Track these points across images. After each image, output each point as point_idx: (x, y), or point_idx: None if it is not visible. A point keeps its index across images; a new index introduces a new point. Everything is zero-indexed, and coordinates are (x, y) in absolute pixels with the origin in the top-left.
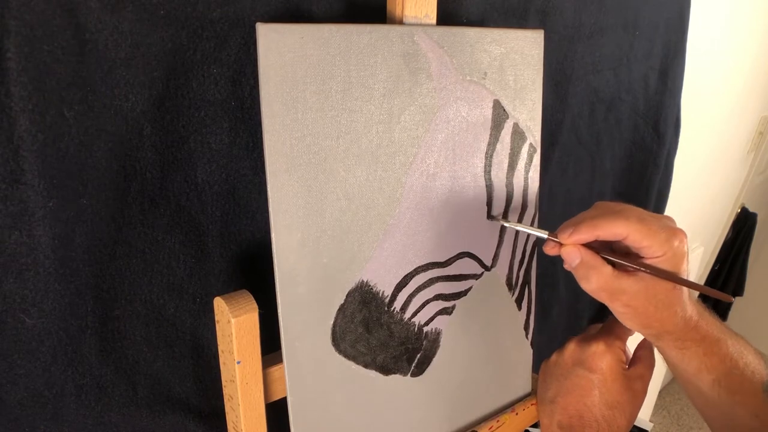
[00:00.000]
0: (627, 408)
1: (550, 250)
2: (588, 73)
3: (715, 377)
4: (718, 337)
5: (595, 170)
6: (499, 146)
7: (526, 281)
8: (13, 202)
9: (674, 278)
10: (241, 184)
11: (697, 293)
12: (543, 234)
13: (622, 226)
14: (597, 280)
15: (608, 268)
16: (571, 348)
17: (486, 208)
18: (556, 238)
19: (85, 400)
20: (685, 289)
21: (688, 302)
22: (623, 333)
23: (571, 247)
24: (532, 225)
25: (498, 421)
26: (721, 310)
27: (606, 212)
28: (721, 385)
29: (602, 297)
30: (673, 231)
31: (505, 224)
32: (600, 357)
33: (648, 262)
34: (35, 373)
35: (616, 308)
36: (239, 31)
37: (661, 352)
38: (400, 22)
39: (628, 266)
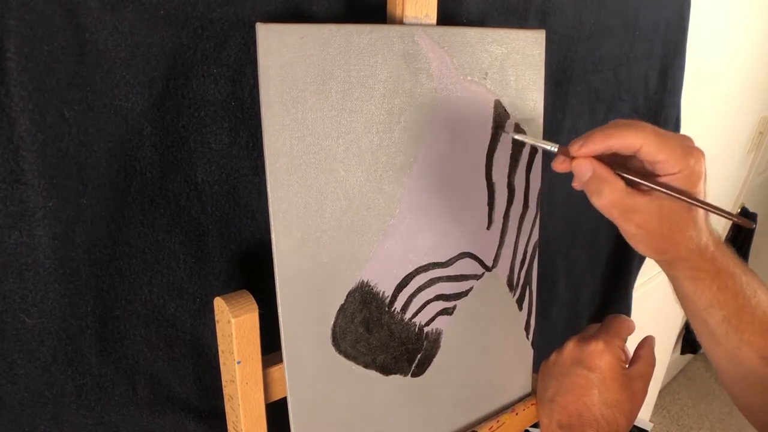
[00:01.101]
0: (626, 407)
1: (559, 165)
2: (588, 73)
3: (726, 313)
4: (733, 271)
5: None
6: (499, 146)
7: (527, 282)
8: (13, 202)
9: (691, 198)
10: (241, 184)
11: (711, 217)
12: (553, 147)
13: (636, 137)
14: (609, 194)
15: (621, 183)
16: (570, 347)
17: (487, 209)
18: (567, 152)
19: (85, 400)
20: (701, 212)
21: (704, 228)
22: (622, 332)
23: (582, 159)
24: (533, 227)
25: (498, 421)
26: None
27: (619, 124)
28: (731, 322)
29: (614, 214)
30: (690, 148)
31: (516, 137)
32: (599, 356)
33: (663, 180)
34: (35, 373)
35: (629, 229)
36: (239, 31)
37: (672, 281)
38: (400, 22)
39: (642, 184)
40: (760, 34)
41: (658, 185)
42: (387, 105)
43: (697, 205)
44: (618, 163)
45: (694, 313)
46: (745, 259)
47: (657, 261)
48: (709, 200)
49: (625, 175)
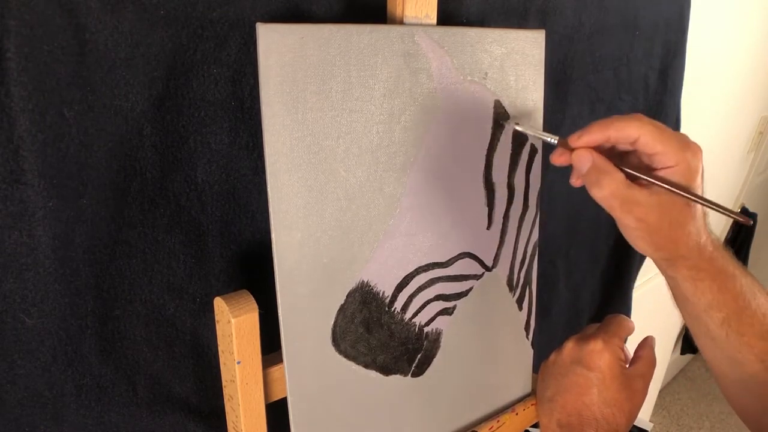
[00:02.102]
0: (626, 406)
1: (558, 157)
2: (588, 72)
3: (725, 315)
4: (732, 273)
5: None
6: (499, 146)
7: (527, 282)
8: (13, 202)
9: (689, 193)
10: (241, 184)
11: (710, 213)
12: (553, 139)
13: (634, 127)
14: (609, 184)
15: (621, 174)
16: (569, 347)
17: (487, 209)
18: (567, 144)
19: (85, 400)
20: (699, 208)
21: (703, 227)
22: (621, 331)
23: (582, 150)
24: (533, 227)
25: (498, 421)
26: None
27: (618, 116)
28: (731, 324)
29: (614, 206)
30: (687, 142)
31: (517, 128)
32: (598, 355)
33: (660, 173)
34: (35, 373)
35: (629, 222)
36: (239, 31)
37: (671, 283)
38: (401, 22)
39: (642, 177)
40: (760, 34)
41: (657, 179)
42: (387, 105)
43: (695, 200)
44: (617, 159)
45: (693, 315)
46: (745, 259)
47: (656, 260)
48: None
49: (625, 169)
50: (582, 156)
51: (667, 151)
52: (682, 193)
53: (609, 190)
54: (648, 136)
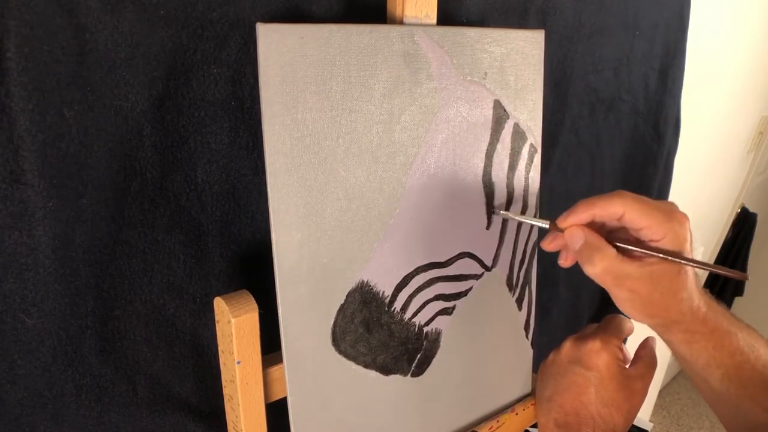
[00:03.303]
0: (624, 406)
1: (548, 244)
2: (588, 73)
3: (725, 371)
4: (727, 330)
5: (595, 170)
6: (499, 146)
7: (527, 281)
8: (13, 202)
9: (681, 258)
10: (241, 184)
11: (704, 278)
12: (544, 224)
13: (618, 204)
14: (601, 261)
15: (612, 250)
16: (567, 346)
17: (485, 208)
18: (557, 227)
19: (85, 400)
20: (690, 275)
21: (695, 291)
22: (620, 331)
23: (574, 228)
24: (532, 227)
25: (498, 421)
26: (733, 286)
27: (602, 194)
28: (732, 379)
29: (606, 281)
30: (671, 212)
31: (506, 216)
32: (596, 354)
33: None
34: (35, 373)
35: (621, 294)
36: (239, 31)
37: (669, 346)
38: (400, 22)
39: (633, 250)
40: (760, 34)
41: (647, 249)
42: (387, 105)
43: (688, 264)
44: (607, 236)
45: (694, 372)
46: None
47: (651, 326)
48: (709, 200)
49: (617, 244)
50: (574, 234)
51: (652, 225)
52: (674, 259)
53: (601, 267)
54: (632, 212)
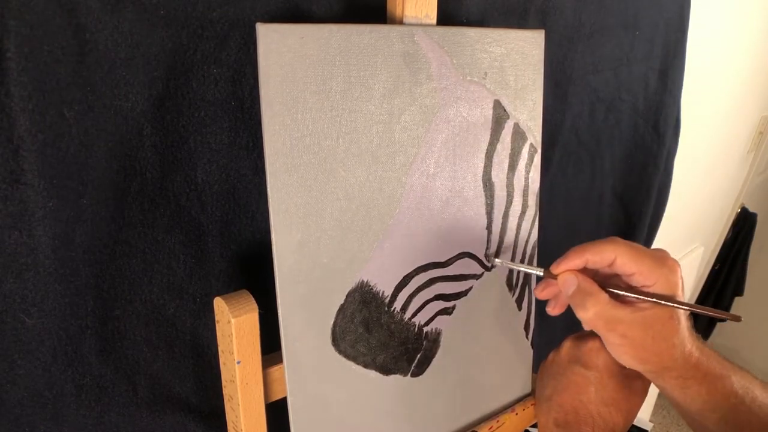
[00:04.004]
0: (624, 406)
1: (541, 292)
2: (588, 73)
3: (720, 415)
4: (720, 374)
5: (595, 170)
6: (499, 146)
7: (527, 282)
8: (13, 202)
9: (674, 302)
10: (241, 184)
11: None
12: (539, 272)
13: (609, 250)
14: (593, 306)
15: (605, 295)
16: (567, 346)
17: (486, 208)
18: (551, 275)
19: (85, 400)
20: (683, 321)
21: (687, 336)
22: None
23: (567, 273)
24: (532, 227)
25: (498, 421)
26: (720, 308)
27: (594, 241)
28: (728, 422)
29: (599, 326)
30: (663, 259)
31: (499, 264)
32: (596, 353)
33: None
34: (35, 373)
35: (614, 339)
36: (239, 31)
37: (663, 392)
38: (400, 22)
39: (625, 296)
40: (760, 34)
41: (640, 293)
42: (387, 105)
43: (681, 307)
44: (601, 282)
45: (691, 417)
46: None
47: (643, 372)
48: (709, 200)
49: (609, 289)
50: (567, 279)
51: (643, 271)
52: (667, 303)
53: (594, 312)
54: (624, 257)
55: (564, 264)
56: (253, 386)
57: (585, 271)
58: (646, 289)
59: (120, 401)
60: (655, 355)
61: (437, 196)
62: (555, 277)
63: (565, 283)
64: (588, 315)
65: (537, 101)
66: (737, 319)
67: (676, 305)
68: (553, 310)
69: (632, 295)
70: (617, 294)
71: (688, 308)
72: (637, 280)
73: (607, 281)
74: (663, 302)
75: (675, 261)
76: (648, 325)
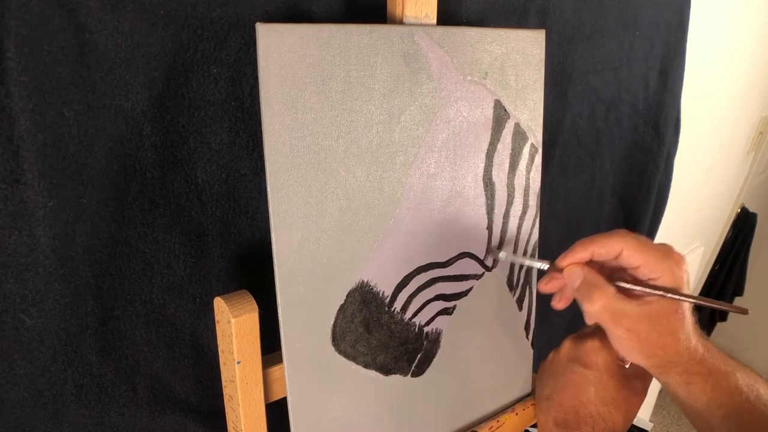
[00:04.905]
0: (623, 405)
1: (545, 285)
2: (588, 73)
3: (725, 413)
4: (725, 371)
5: (595, 170)
6: (500, 146)
7: (527, 282)
8: (13, 202)
9: (680, 295)
10: (241, 184)
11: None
12: (544, 265)
13: (616, 242)
14: (600, 298)
15: (612, 288)
16: (566, 345)
17: (487, 208)
18: (556, 268)
19: (85, 400)
20: (688, 316)
21: (692, 332)
22: None
23: (573, 266)
24: (533, 226)
25: (498, 421)
26: (719, 312)
27: (601, 233)
28: (732, 420)
29: (605, 319)
30: (669, 252)
31: (504, 257)
32: (595, 353)
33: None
34: (35, 373)
35: (619, 333)
36: (239, 31)
37: (667, 389)
38: (400, 22)
39: (632, 289)
40: (760, 34)
41: (647, 287)
42: (387, 105)
43: (688, 300)
44: (607, 275)
45: (695, 414)
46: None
47: (648, 368)
48: (709, 200)
49: (616, 283)
50: (573, 272)
51: (649, 263)
52: (674, 296)
53: (600, 304)
54: (630, 250)
55: (569, 257)
56: (253, 386)
57: (590, 264)
58: (651, 282)
59: (120, 401)
60: (661, 349)
61: (438, 196)
62: (560, 270)
63: (571, 276)
64: (594, 307)
65: (538, 101)
66: (744, 311)
67: (683, 298)
68: (558, 303)
69: (639, 288)
70: (623, 287)
71: (695, 301)
72: (643, 273)
73: (612, 275)
74: (670, 295)
75: (681, 255)
76: (654, 319)
